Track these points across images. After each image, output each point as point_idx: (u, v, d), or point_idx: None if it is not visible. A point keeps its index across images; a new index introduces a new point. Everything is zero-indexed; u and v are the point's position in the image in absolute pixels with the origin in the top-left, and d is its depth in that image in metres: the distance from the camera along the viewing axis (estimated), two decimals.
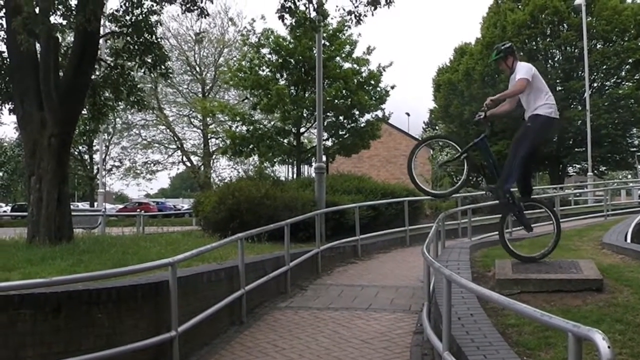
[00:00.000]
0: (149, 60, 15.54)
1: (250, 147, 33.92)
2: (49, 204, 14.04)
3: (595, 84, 54.76)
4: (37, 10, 12.59)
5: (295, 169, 37.42)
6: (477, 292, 6.86)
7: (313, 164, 25.14)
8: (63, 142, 14.42)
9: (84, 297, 8.00)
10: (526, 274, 10.54)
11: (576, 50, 52.80)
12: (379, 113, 35.28)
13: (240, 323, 11.72)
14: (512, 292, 9.83)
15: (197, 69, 63.05)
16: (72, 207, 16.15)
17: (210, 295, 10.71)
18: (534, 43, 55.46)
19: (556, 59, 56.21)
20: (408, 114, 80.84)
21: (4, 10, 14.24)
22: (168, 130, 64.92)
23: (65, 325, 7.70)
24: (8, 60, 14.84)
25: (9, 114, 15.56)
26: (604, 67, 52.96)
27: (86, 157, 69.33)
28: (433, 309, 9.88)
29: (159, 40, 15.77)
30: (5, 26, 14.35)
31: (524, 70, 10.60)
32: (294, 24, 16.09)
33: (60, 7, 13.03)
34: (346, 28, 32.79)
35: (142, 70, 16.27)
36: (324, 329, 11.18)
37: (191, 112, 61.87)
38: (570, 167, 61.26)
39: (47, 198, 14.05)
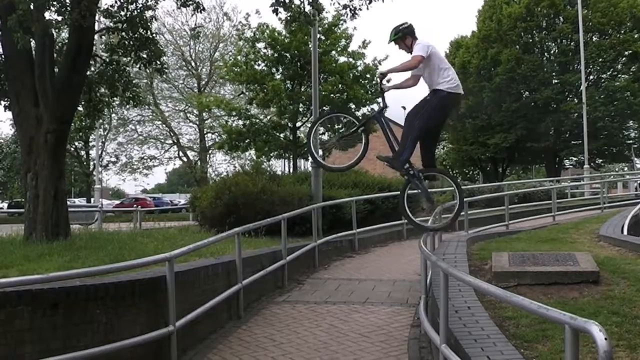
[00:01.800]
0: (144, 56, 15.47)
1: (247, 141, 33.96)
2: (45, 200, 14.00)
3: (591, 77, 54.81)
4: (32, 7, 12.56)
5: (291, 164, 37.43)
6: (474, 285, 6.88)
7: (309, 158, 25.10)
8: (59, 139, 14.37)
9: (82, 293, 8.01)
10: (523, 267, 10.58)
11: (572, 43, 52.86)
12: (375, 107, 35.24)
13: (238, 317, 11.74)
14: (508, 285, 9.87)
15: (193, 64, 62.92)
16: (68, 203, 16.11)
17: (208, 290, 10.72)
18: (529, 36, 55.53)
19: (552, 51, 56.26)
20: (404, 108, 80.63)
21: None
22: (164, 125, 64.81)
23: (63, 321, 7.71)
24: (3, 57, 14.79)
25: (5, 111, 15.52)
26: (600, 59, 52.95)
27: (82, 153, 69.19)
28: (430, 302, 9.90)
29: (154, 35, 15.70)
30: (0, 23, 14.29)
31: (419, 46, 10.44)
32: (288, 18, 16.04)
33: (55, 3, 12.99)
34: (341, 22, 32.81)
35: (138, 66, 16.21)
36: (321, 323, 11.20)
37: (187, 107, 61.79)
38: (567, 160, 61.36)
39: (43, 194, 14.02)
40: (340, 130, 10.57)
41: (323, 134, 32.27)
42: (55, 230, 13.88)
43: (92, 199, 58.70)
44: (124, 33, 15.06)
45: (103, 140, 65.21)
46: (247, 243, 14.20)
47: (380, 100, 11.56)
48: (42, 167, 14.01)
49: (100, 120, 47.20)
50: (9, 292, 7.34)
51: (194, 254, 11.29)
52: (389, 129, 11.16)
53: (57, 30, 14.33)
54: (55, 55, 14.69)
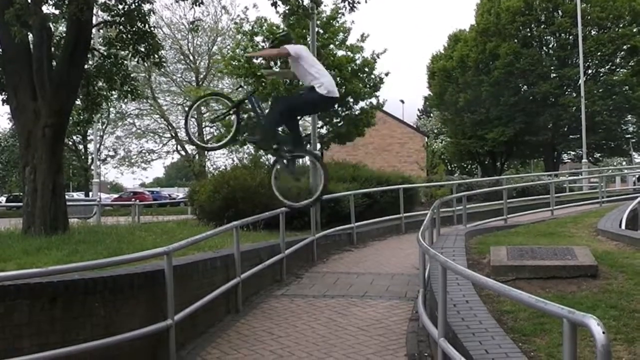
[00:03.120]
0: (142, 50, 15.49)
1: (245, 135, 33.93)
2: (43, 194, 14.02)
3: (589, 71, 54.88)
4: (29, 0, 12.57)
5: None
6: (472, 279, 6.89)
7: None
8: (57, 133, 14.38)
9: (80, 287, 8.01)
10: (521, 261, 10.60)
11: (571, 37, 52.91)
12: (374, 101, 35.21)
13: (237, 311, 11.75)
14: (507, 279, 9.88)
15: (191, 57, 62.84)
16: (67, 197, 16.12)
17: (206, 283, 10.72)
18: (528, 30, 55.55)
19: (550, 45, 56.34)
20: (402, 102, 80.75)
21: None
22: (162, 119, 64.80)
23: (61, 315, 7.72)
24: (1, 51, 14.78)
25: (3, 105, 15.51)
26: (599, 53, 53.00)
27: (80, 147, 69.26)
28: (429, 295, 9.92)
29: (152, 29, 15.71)
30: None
31: (291, 45, 11.05)
32: (287, 11, 16.03)
33: None
34: (340, 15, 32.71)
35: (136, 60, 16.23)
36: (320, 316, 11.22)
37: (185, 100, 61.74)
38: (565, 154, 61.51)
39: (41, 188, 14.04)
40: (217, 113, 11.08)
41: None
42: (53, 224, 13.90)
43: (90, 193, 58.74)
44: (121, 27, 15.08)
45: (101, 134, 65.19)
46: (245, 237, 14.20)
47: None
48: (40, 161, 14.03)
49: (99, 114, 47.15)
50: (7, 285, 7.34)
51: (193, 247, 11.30)
52: (259, 109, 11.54)
53: (54, 24, 14.32)
54: (53, 49, 14.69)
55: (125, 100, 18.04)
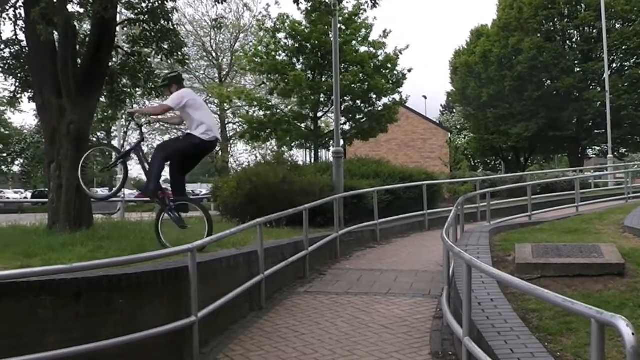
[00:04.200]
0: (166, 47, 15.52)
1: (268, 131, 33.95)
2: (68, 190, 14.07)
3: (614, 65, 54.45)
4: None
5: (313, 154, 37.41)
6: (497, 277, 6.84)
7: (331, 148, 25.11)
8: (81, 129, 14.43)
9: (104, 283, 8.03)
10: (546, 258, 10.52)
11: (595, 31, 52.48)
12: (396, 97, 35.15)
13: (260, 308, 11.73)
14: (532, 277, 9.82)
15: (214, 54, 63.08)
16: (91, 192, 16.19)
17: (230, 280, 10.71)
18: (551, 24, 55.19)
19: (574, 39, 55.90)
20: (425, 97, 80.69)
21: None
22: None
23: (85, 311, 7.74)
24: (27, 48, 14.87)
25: (29, 102, 15.63)
26: (624, 47, 52.55)
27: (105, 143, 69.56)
28: (453, 293, 9.86)
29: (175, 26, 15.74)
30: (24, 15, 14.37)
31: (172, 97, 11.44)
32: (309, 8, 16.01)
33: None
34: (362, 12, 32.66)
35: (159, 57, 16.27)
36: (343, 314, 11.18)
37: (208, 97, 61.90)
38: (590, 150, 60.99)
39: (66, 185, 14.08)
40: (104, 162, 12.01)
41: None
42: (78, 220, 13.93)
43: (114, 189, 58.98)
44: (145, 24, 15.10)
45: (125, 130, 65.42)
46: (268, 233, 14.16)
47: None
48: (65, 158, 14.06)
49: (122, 111, 47.16)
50: (32, 281, 7.37)
51: (216, 244, 11.28)
52: (145, 161, 12.05)
53: (79, 22, 14.37)
54: (78, 46, 14.75)
55: (149, 97, 18.09)
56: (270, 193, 18.40)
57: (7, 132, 79.28)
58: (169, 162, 11.61)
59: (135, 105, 11.53)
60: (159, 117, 12.40)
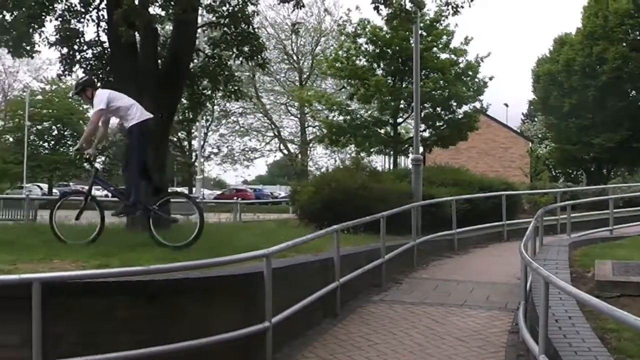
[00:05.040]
0: (246, 51, 15.68)
1: (347, 136, 33.99)
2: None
3: None
4: (136, 2, 12.85)
5: (392, 160, 37.35)
6: (575, 296, 6.72)
7: (410, 155, 25.04)
8: (162, 131, 14.67)
9: (179, 286, 8.14)
10: (627, 277, 10.32)
11: None
12: (477, 104, 34.93)
13: (334, 315, 11.69)
14: (611, 295, 9.62)
15: (295, 57, 63.42)
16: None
17: (305, 286, 10.71)
18: (637, 33, 53.96)
19: None
20: (506, 105, 79.62)
21: (105, 2, 14.56)
22: (265, 118, 65.54)
23: (158, 313, 7.86)
24: (109, 50, 15.16)
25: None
26: None
27: (185, 143, 70.50)
28: (529, 308, 9.72)
29: (256, 30, 15.89)
30: (106, 17, 14.67)
31: (97, 100, 11.40)
32: (389, 15, 15.99)
33: None
34: (443, 18, 32.51)
35: (240, 61, 16.45)
36: (417, 324, 11.10)
37: (288, 100, 62.29)
38: None
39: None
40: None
41: None
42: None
43: (193, 189, 59.68)
44: (226, 28, 15.27)
45: (205, 131, 66.17)
46: (345, 240, 14.10)
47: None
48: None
49: (203, 111, 47.70)
50: (110, 282, 7.51)
51: (293, 249, 11.28)
52: (108, 186, 12.62)
53: (160, 25, 14.61)
54: (159, 49, 14.98)
55: (229, 99, 18.29)
56: (348, 199, 18.36)
57: None
58: (138, 166, 11.69)
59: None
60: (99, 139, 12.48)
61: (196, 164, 60.12)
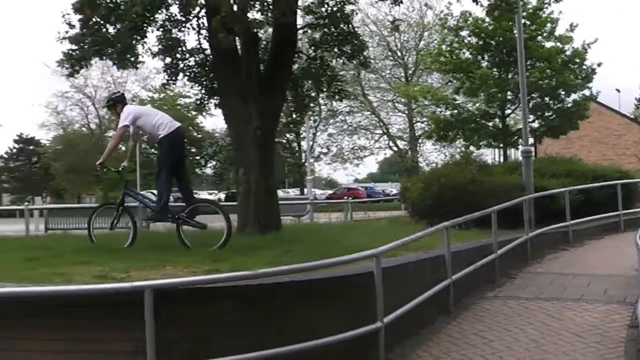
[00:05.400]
0: (347, 50, 15.67)
1: (455, 131, 33.69)
2: (256, 194, 14.47)
3: None
4: (235, 8, 12.97)
5: (501, 153, 36.86)
6: None
7: (520, 147, 24.63)
8: (267, 134, 14.83)
9: (288, 289, 8.17)
10: None
11: None
12: (586, 92, 34.17)
13: (448, 313, 11.54)
14: None
15: (399, 53, 63.15)
16: (283, 193, 16.60)
17: (416, 285, 10.60)
18: None
19: None
20: (619, 91, 77.52)
21: (204, 10, 14.75)
22: (373, 115, 65.49)
23: (269, 316, 7.91)
24: (211, 57, 15.36)
25: (215, 108, 16.21)
26: None
27: (294, 144, 71.15)
28: None
29: (357, 28, 15.86)
30: (206, 25, 14.87)
31: (123, 116, 12.22)
32: (490, 6, 15.75)
33: (257, 3, 13.36)
34: (546, 6, 31.93)
35: (341, 61, 16.47)
36: (533, 320, 10.85)
37: (395, 97, 62.05)
38: None
39: (254, 189, 14.51)
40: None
41: None
42: (266, 223, 14.31)
43: (305, 190, 60.16)
44: (325, 28, 15.30)
45: (314, 131, 66.59)
46: (456, 236, 13.92)
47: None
48: (252, 162, 14.52)
49: (310, 112, 48.04)
50: (219, 287, 7.61)
51: (404, 247, 11.19)
52: (139, 195, 13.49)
53: (260, 29, 14.72)
54: (260, 53, 15.11)
55: (334, 100, 18.34)
56: (457, 194, 18.14)
57: (199, 136, 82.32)
58: (167, 175, 12.36)
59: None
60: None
61: (306, 164, 60.53)
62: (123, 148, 15.49)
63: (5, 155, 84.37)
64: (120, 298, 7.18)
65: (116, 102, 12.71)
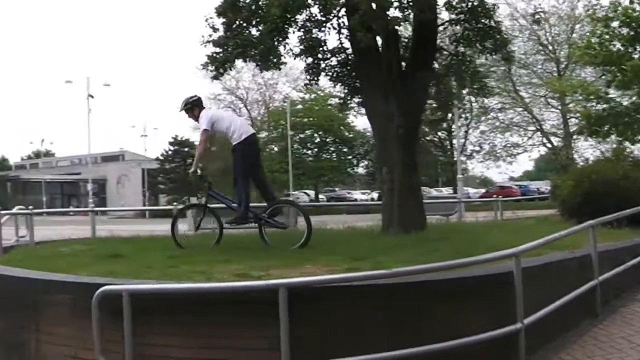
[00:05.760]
0: (489, 46, 15.35)
1: (607, 126, 32.54)
2: (400, 193, 14.40)
3: None
4: (373, 6, 12.90)
5: None
6: None
7: None
8: (410, 132, 14.75)
9: (422, 289, 8.09)
10: None
11: None
12: None
13: (595, 316, 11.03)
14: None
15: (550, 47, 61.65)
16: (436, 192, 16.48)
17: (559, 286, 10.21)
18: None
19: None
20: None
21: (344, 9, 14.74)
22: (525, 112, 64.30)
23: (404, 315, 7.87)
24: (353, 56, 15.35)
25: (358, 107, 16.24)
26: None
27: (446, 143, 70.77)
28: None
29: (500, 23, 15.51)
30: (347, 24, 14.88)
31: (202, 121, 12.73)
32: None
33: (395, 1, 13.25)
34: None
35: (484, 56, 16.17)
36: None
37: (547, 92, 60.60)
38: None
39: (398, 188, 14.44)
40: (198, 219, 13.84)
41: None
42: (410, 223, 14.20)
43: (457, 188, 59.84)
44: (466, 24, 15.04)
45: (465, 129, 66.13)
46: (606, 235, 13.36)
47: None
48: (396, 161, 14.42)
49: (460, 109, 47.52)
50: (354, 286, 7.66)
51: (547, 246, 10.83)
52: (222, 198, 13.50)
53: (399, 27, 14.61)
54: (401, 50, 15.00)
55: (477, 97, 18.05)
56: (609, 190, 17.50)
57: (351, 135, 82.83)
58: (243, 181, 12.85)
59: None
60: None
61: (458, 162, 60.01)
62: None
63: (161, 157, 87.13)
64: (255, 296, 7.43)
65: (193, 106, 13.07)
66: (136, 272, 9.59)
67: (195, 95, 13.17)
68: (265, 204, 13.18)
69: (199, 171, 13.13)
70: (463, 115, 62.71)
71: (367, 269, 8.83)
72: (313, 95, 77.18)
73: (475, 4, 14.68)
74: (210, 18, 15.36)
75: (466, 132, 67.59)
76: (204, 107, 13.22)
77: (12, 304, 9.47)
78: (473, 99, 39.99)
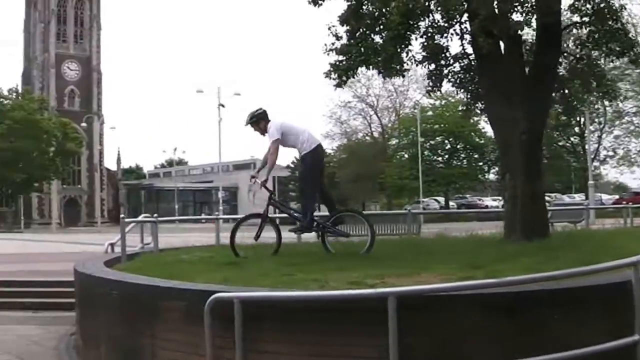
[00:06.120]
0: (616, 48, 15.00)
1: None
2: (523, 200, 14.23)
3: None
4: (496, 10, 12.83)
5: None
6: None
7: None
8: (534, 138, 14.55)
9: (535, 298, 7.95)
10: None
11: None
12: None
13: None
14: None
15: None
16: (568, 199, 16.24)
17: None
18: None
19: None
20: None
21: (467, 14, 14.68)
22: None
23: (513, 325, 7.73)
24: (475, 61, 15.27)
25: (480, 114, 16.12)
26: None
27: (579, 148, 69.38)
28: None
29: (625, 25, 15.13)
30: (469, 30, 14.81)
31: (271, 131, 12.79)
32: None
33: (517, 5, 13.12)
34: None
35: (610, 59, 15.83)
36: None
37: None
38: None
39: (521, 195, 14.27)
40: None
41: None
42: (532, 230, 14.02)
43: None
44: (592, 27, 14.76)
45: (599, 134, 64.73)
46: None
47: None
48: (518, 168, 14.25)
49: (594, 115, 46.53)
50: (461, 295, 7.59)
51: None
52: (284, 206, 14.28)
53: (521, 31, 14.44)
54: (525, 55, 14.85)
55: (603, 100, 17.68)
56: None
57: (482, 141, 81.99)
58: (312, 191, 13.16)
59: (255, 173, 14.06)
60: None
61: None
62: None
63: (292, 165, 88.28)
64: (365, 304, 7.40)
65: (259, 119, 13.16)
66: (251, 279, 9.74)
67: (261, 109, 13.42)
68: (327, 214, 13.60)
69: (269, 180, 13.35)
70: (596, 120, 61.34)
71: (482, 278, 8.71)
72: (444, 102, 76.83)
73: (602, 6, 14.37)
74: (333, 26, 15.49)
75: (599, 136, 66.02)
76: (269, 120, 13.26)
77: (132, 310, 9.76)
78: (607, 102, 39.12)
